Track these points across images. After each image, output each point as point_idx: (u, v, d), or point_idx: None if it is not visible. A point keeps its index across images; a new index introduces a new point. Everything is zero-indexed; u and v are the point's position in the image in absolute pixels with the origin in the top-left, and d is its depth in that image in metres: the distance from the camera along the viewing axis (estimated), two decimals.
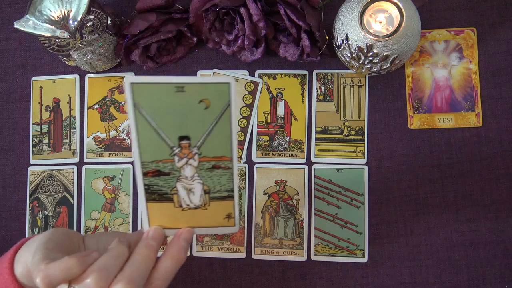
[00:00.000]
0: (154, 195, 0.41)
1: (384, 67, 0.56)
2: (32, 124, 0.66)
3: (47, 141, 0.65)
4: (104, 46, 0.60)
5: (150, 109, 0.38)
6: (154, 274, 0.39)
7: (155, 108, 0.38)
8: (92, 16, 0.57)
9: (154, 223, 0.42)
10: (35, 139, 0.66)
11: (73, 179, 0.65)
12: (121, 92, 0.65)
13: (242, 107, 0.63)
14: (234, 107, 0.38)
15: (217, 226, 0.43)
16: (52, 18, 0.53)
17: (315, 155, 0.62)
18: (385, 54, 0.53)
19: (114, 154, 0.64)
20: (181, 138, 0.39)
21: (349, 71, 0.63)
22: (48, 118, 0.66)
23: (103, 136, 0.65)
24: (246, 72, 0.64)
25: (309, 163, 0.62)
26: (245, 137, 0.63)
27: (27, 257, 0.41)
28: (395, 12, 0.52)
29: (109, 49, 0.61)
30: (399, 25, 0.51)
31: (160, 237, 0.41)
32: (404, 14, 0.51)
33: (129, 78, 0.37)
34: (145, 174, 0.40)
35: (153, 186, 0.41)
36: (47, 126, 0.66)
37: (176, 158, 0.40)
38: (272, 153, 0.63)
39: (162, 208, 0.42)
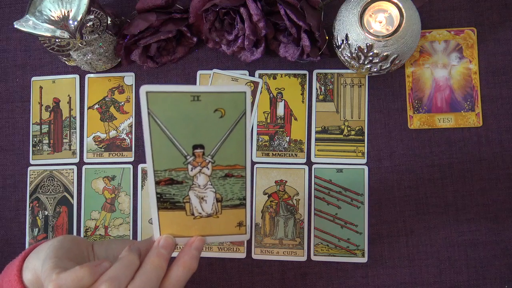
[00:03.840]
0: (166, 203, 0.41)
1: (384, 67, 0.56)
2: (32, 124, 0.66)
3: (47, 141, 0.65)
4: (104, 46, 0.60)
5: (165, 117, 0.37)
6: (165, 283, 0.39)
7: (169, 116, 0.38)
8: (92, 16, 0.57)
9: (165, 232, 0.42)
10: (35, 139, 0.66)
11: (73, 179, 0.65)
12: (121, 92, 0.65)
13: None
14: (249, 116, 0.38)
15: (228, 234, 0.43)
16: (52, 18, 0.53)
17: (315, 155, 0.62)
18: (385, 54, 0.53)
19: (114, 154, 0.65)
20: (195, 146, 0.39)
21: (349, 71, 0.63)
22: (48, 118, 0.66)
23: (103, 136, 0.65)
24: (246, 72, 0.64)
25: (309, 163, 0.62)
26: None
27: (36, 264, 0.41)
28: (395, 12, 0.52)
29: (109, 49, 0.61)
30: (399, 25, 0.51)
31: (171, 246, 0.41)
32: (404, 14, 0.51)
33: (145, 86, 0.36)
34: (157, 183, 0.40)
35: (165, 195, 0.41)
36: (47, 126, 0.66)
37: (190, 167, 0.40)
38: (272, 153, 0.63)
39: (173, 216, 0.41)
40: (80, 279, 0.36)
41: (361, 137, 0.62)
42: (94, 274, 0.36)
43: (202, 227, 0.42)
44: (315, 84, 0.63)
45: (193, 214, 0.42)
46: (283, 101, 0.63)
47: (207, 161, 0.40)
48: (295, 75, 0.63)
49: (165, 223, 0.42)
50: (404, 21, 0.51)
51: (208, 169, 0.40)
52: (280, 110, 0.63)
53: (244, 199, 0.42)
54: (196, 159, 0.40)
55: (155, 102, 0.37)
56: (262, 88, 0.64)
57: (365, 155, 0.62)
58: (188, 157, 0.39)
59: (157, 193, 0.40)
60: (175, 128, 0.38)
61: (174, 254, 0.42)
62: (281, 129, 0.63)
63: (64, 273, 0.36)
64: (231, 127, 0.39)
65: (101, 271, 0.37)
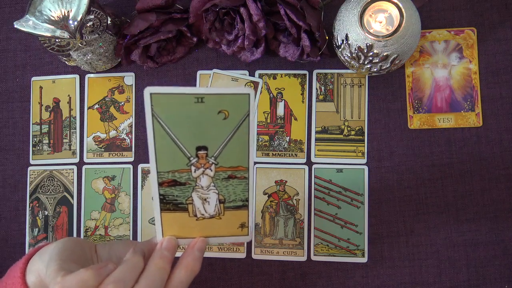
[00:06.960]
0: (169, 205, 0.41)
1: (384, 67, 0.56)
2: (32, 124, 0.66)
3: (47, 141, 0.65)
4: (104, 46, 0.60)
5: (169, 119, 0.37)
6: (168, 285, 0.39)
7: (173, 118, 0.38)
8: (92, 16, 0.57)
9: (168, 233, 0.42)
10: (35, 139, 0.66)
11: (73, 179, 0.65)
12: (121, 92, 0.65)
13: None
14: (252, 118, 0.38)
15: (231, 236, 0.43)
16: (52, 18, 0.53)
17: (315, 155, 0.62)
18: (385, 54, 0.53)
19: (114, 154, 0.65)
20: (199, 148, 0.39)
21: (349, 71, 0.63)
22: (48, 118, 0.66)
23: (103, 136, 0.65)
24: (246, 72, 0.64)
25: (309, 163, 0.62)
26: None
27: (40, 267, 0.41)
28: (395, 12, 0.52)
29: (109, 49, 0.61)
30: (399, 25, 0.51)
31: (174, 247, 0.41)
32: (404, 14, 0.51)
33: (149, 88, 0.36)
34: (160, 184, 0.40)
35: (168, 196, 0.41)
36: (47, 126, 0.66)
37: (193, 168, 0.40)
38: (272, 153, 0.63)
39: (176, 217, 0.41)
40: (85, 282, 0.36)
41: (361, 137, 0.62)
42: (99, 276, 0.36)
43: (204, 228, 0.42)
44: (315, 84, 0.63)
45: (195, 216, 0.42)
46: (283, 101, 0.63)
47: (210, 162, 0.40)
48: (295, 75, 0.63)
49: (167, 225, 0.41)
50: (404, 21, 0.51)
51: (211, 170, 0.40)
52: (280, 110, 0.63)
53: (247, 200, 0.42)
54: (199, 160, 0.40)
55: (159, 103, 0.37)
56: (262, 88, 0.64)
57: (365, 155, 0.62)
58: (191, 158, 0.39)
59: (160, 195, 0.40)
60: (178, 129, 0.38)
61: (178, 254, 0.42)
62: (281, 129, 0.63)
63: (69, 275, 0.36)
64: (234, 129, 0.39)
65: (106, 273, 0.37)
